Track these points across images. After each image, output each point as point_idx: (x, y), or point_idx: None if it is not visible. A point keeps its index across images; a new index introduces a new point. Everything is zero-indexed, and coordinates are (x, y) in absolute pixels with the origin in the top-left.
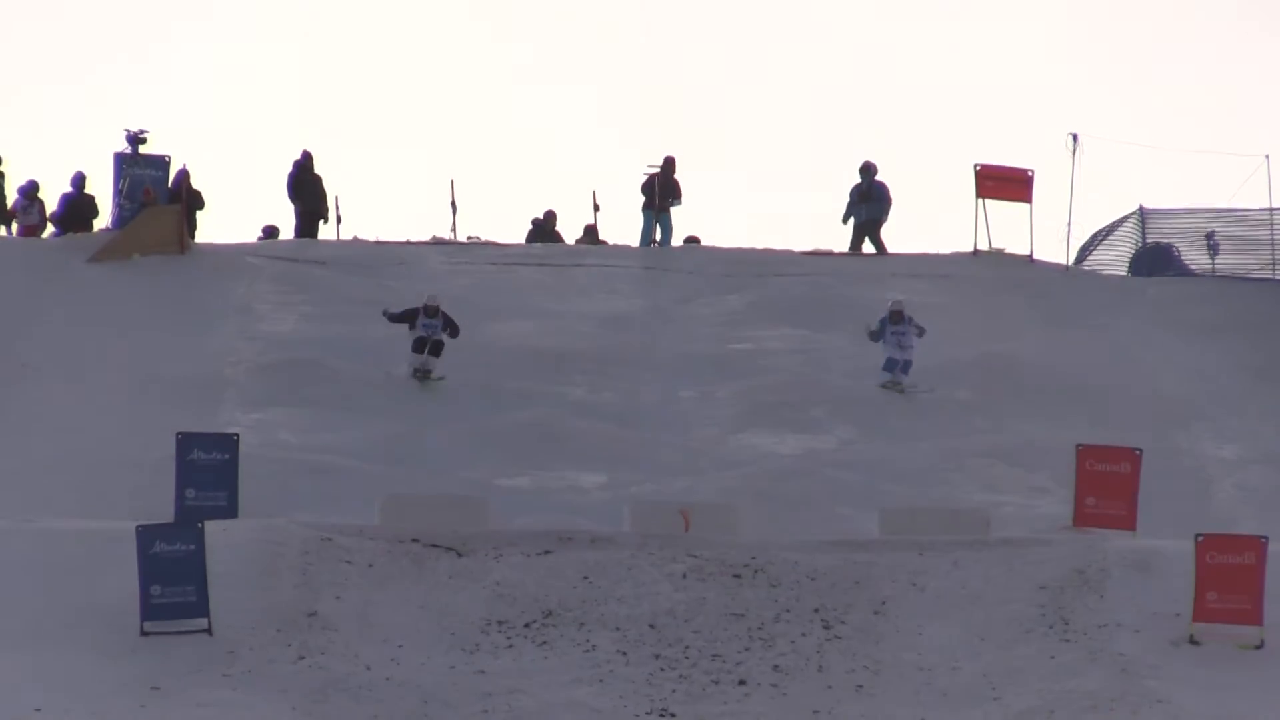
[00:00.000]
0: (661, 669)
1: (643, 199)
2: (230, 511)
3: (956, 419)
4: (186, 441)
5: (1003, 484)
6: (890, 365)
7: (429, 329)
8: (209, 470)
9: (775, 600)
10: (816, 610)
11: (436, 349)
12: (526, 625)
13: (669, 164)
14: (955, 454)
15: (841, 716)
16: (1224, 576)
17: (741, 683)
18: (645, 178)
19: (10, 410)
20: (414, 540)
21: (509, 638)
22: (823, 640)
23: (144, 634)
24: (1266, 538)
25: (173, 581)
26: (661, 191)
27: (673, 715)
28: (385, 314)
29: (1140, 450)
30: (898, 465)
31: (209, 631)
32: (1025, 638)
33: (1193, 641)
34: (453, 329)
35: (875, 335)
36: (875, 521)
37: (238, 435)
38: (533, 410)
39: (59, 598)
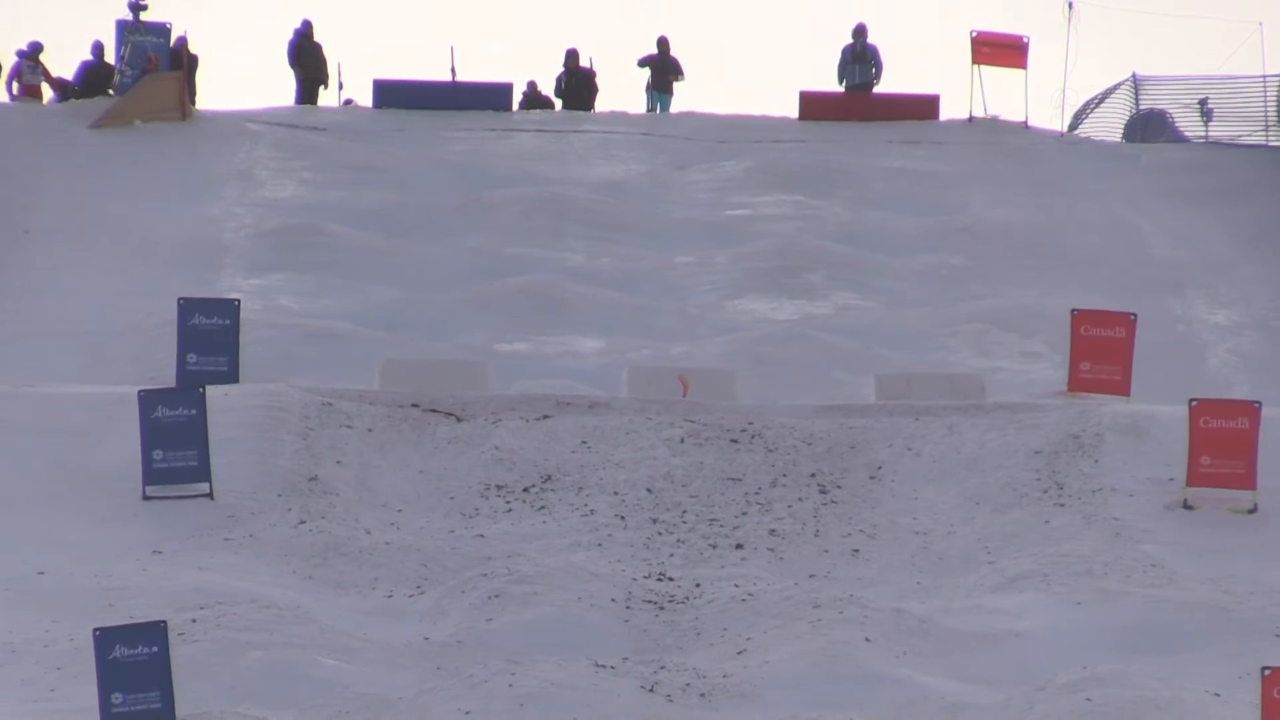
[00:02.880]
0: (659, 533)
1: (647, 80)
2: (231, 376)
3: (952, 285)
4: (188, 307)
5: (998, 349)
6: None
7: None
8: (210, 335)
9: (772, 465)
10: (813, 475)
11: None
12: (525, 490)
13: (663, 44)
14: (951, 320)
15: (838, 580)
16: (1217, 441)
17: (739, 547)
18: (644, 56)
19: (12, 276)
20: (413, 405)
21: (508, 502)
22: (819, 505)
23: (146, 498)
24: (1260, 403)
25: (174, 446)
26: (661, 68)
27: (670, 579)
28: None
29: (1134, 315)
30: (893, 331)
31: (210, 496)
32: (1020, 502)
33: (1186, 506)
34: None
35: None
36: (871, 387)
37: (239, 301)
38: (531, 276)
39: (62, 462)
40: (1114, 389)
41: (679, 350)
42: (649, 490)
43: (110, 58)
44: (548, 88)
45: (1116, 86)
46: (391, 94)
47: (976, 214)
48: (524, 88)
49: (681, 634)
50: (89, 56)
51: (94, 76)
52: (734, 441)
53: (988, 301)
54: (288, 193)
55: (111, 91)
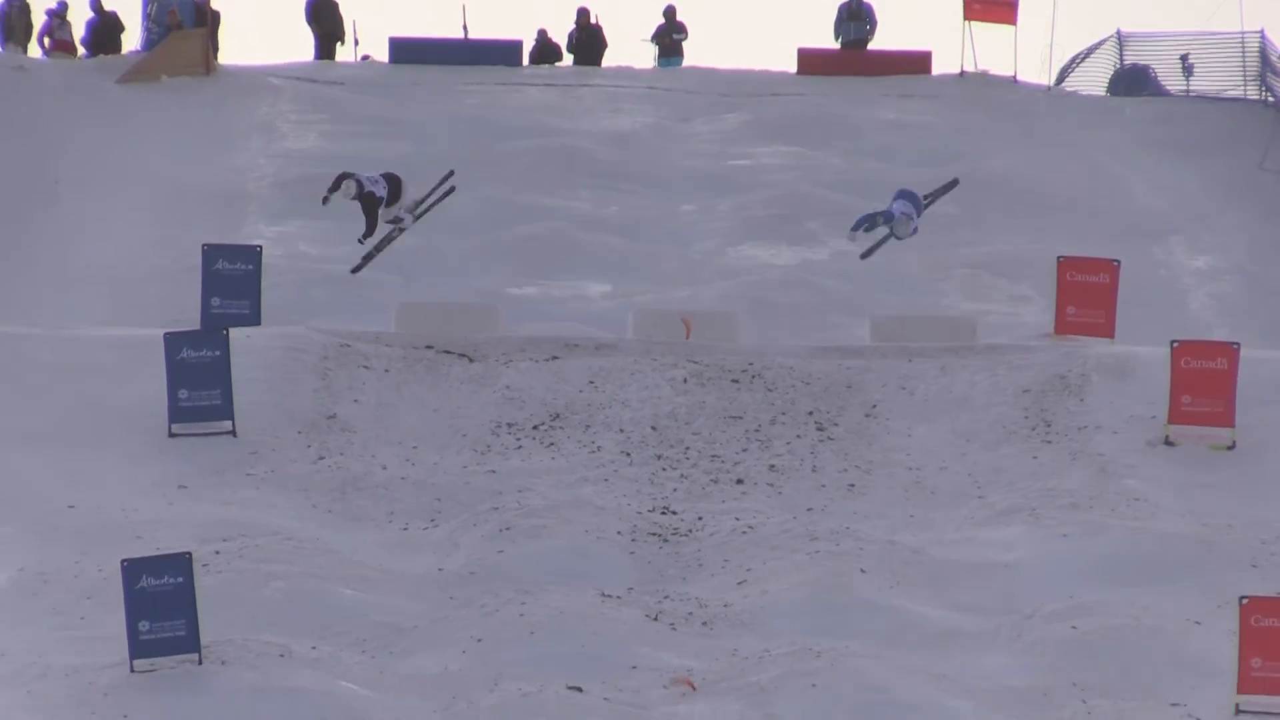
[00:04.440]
0: (663, 469)
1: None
2: (253, 319)
3: (944, 232)
4: (212, 253)
5: (988, 293)
6: (863, 222)
7: (371, 183)
8: (233, 280)
9: (771, 404)
10: (811, 413)
11: (395, 191)
12: (535, 427)
13: (669, 13)
14: (943, 265)
15: (834, 514)
16: (1198, 381)
17: (739, 482)
18: (654, 31)
19: (44, 224)
20: (428, 346)
21: (518, 439)
22: (816, 441)
23: (171, 435)
24: (1238, 344)
25: (199, 386)
26: (667, 31)
27: (674, 512)
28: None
29: (1118, 261)
30: (888, 275)
31: (233, 433)
32: (1009, 439)
33: (1168, 442)
34: (393, 182)
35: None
36: (867, 329)
37: (260, 247)
38: (541, 223)
39: (90, 402)
40: (1099, 331)
41: (682, 294)
42: (653, 428)
43: (112, 5)
44: (558, 38)
45: (1102, 42)
46: (407, 50)
47: (967, 164)
48: (535, 36)
49: (684, 565)
50: (90, 14)
51: (101, 30)
52: (735, 381)
53: (978, 248)
54: (308, 144)
55: (125, 40)
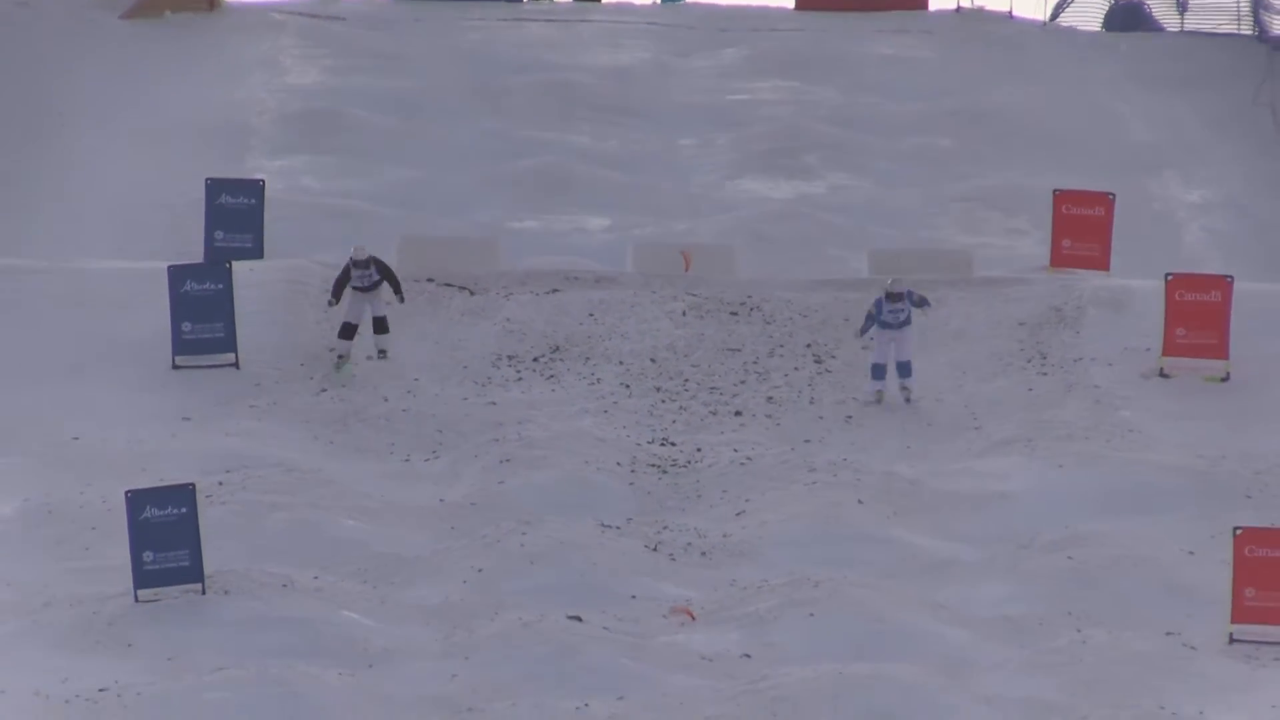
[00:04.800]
0: (662, 400)
1: None
2: (256, 253)
3: (940, 165)
4: (215, 187)
5: (984, 227)
6: (878, 373)
7: (362, 281)
8: (236, 214)
9: (769, 336)
10: (808, 345)
11: (381, 325)
12: (535, 359)
13: None
14: (939, 198)
15: (832, 445)
16: (1192, 313)
17: (737, 413)
18: None
19: (48, 158)
20: (429, 280)
21: (518, 371)
22: (814, 374)
23: (175, 368)
24: (1232, 277)
25: (202, 318)
26: None
27: (673, 444)
28: (333, 293)
29: (1113, 195)
30: (885, 209)
31: (236, 365)
32: (1005, 371)
33: (1162, 374)
34: (392, 280)
35: (869, 322)
36: (864, 262)
37: (263, 181)
38: (541, 158)
39: (95, 334)
40: (1094, 264)
41: (681, 228)
42: (652, 360)
43: None
44: None
45: None
46: None
47: (963, 99)
48: None
49: (683, 496)
50: None
51: None
52: (733, 314)
53: (974, 181)
54: (310, 79)
55: None
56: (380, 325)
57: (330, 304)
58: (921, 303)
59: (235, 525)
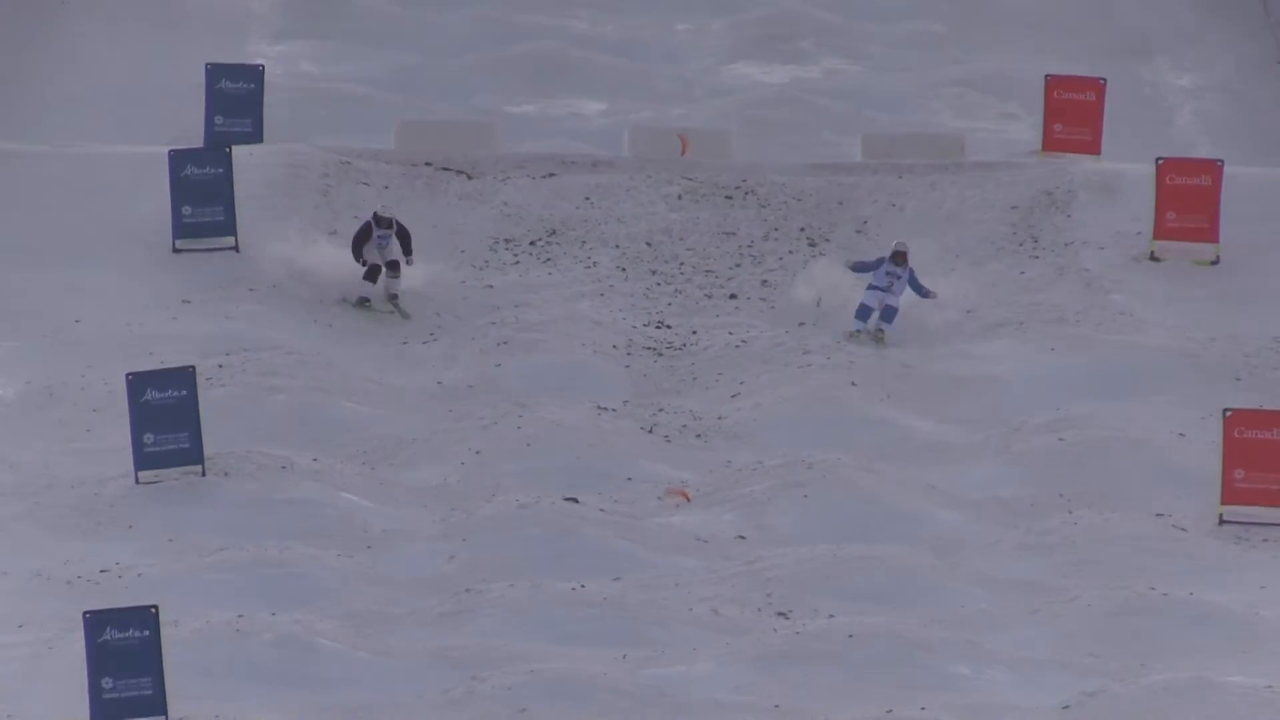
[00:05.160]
0: (658, 284)
1: None
2: (256, 137)
3: (933, 50)
4: (215, 72)
5: (976, 111)
6: (863, 313)
7: (382, 240)
8: (236, 99)
9: (764, 220)
10: (802, 229)
11: (394, 269)
12: (532, 243)
13: None
14: (932, 83)
15: (825, 326)
16: (1182, 197)
17: (732, 296)
18: None
19: (50, 43)
20: (427, 164)
21: (515, 255)
22: (808, 257)
23: (176, 251)
24: (1222, 161)
25: (202, 202)
26: None
27: (668, 326)
28: (353, 250)
29: (1104, 79)
30: (879, 93)
31: (236, 249)
32: (997, 254)
33: (1153, 258)
34: (406, 241)
35: (863, 266)
36: (858, 146)
37: (263, 66)
38: (539, 42)
39: (96, 218)
40: (1085, 148)
41: (677, 112)
42: (648, 243)
43: None
44: None
45: None
46: None
47: None
48: None
49: (679, 379)
50: None
51: None
52: (729, 198)
53: (967, 66)
54: None
55: None
56: (393, 267)
57: (360, 263)
58: (920, 290)
59: (235, 408)
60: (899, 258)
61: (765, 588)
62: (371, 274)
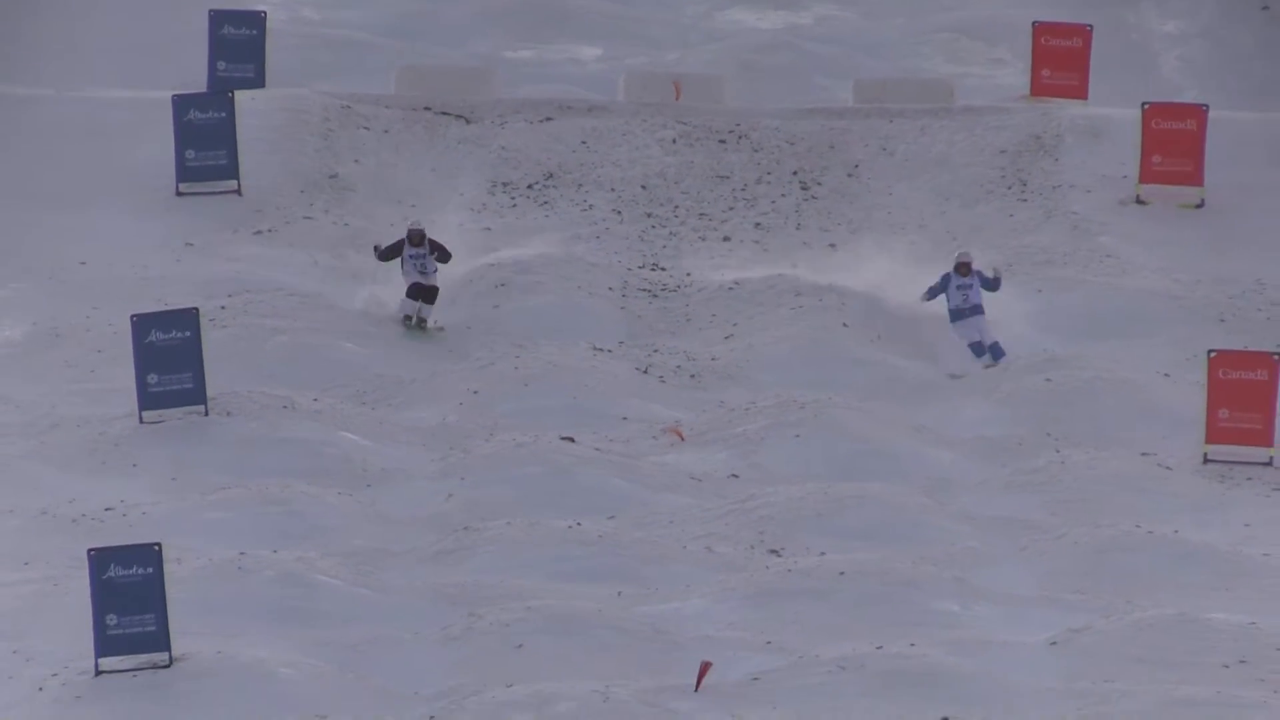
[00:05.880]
0: (653, 226)
1: None
2: (258, 82)
3: None
4: (218, 18)
5: (966, 56)
6: (978, 350)
7: (417, 260)
8: (239, 44)
9: (757, 163)
10: (795, 173)
11: (430, 295)
12: (529, 186)
13: None
14: (923, 29)
15: (819, 268)
16: (1168, 141)
17: (726, 239)
18: None
19: None
20: (426, 108)
21: (513, 198)
22: (800, 200)
23: (179, 194)
24: (1207, 105)
25: (205, 146)
26: None
27: (663, 268)
28: (375, 250)
29: (1091, 26)
30: (871, 39)
31: (238, 192)
32: (986, 198)
33: (1139, 201)
34: (442, 254)
35: (934, 291)
36: (849, 91)
37: (265, 12)
38: None
39: (101, 162)
40: (1073, 93)
41: (672, 57)
42: (643, 187)
43: None
44: None
45: None
46: None
47: None
48: None
49: (673, 320)
50: None
51: None
52: (722, 142)
53: (957, 13)
54: None
55: None
56: (430, 295)
57: (375, 251)
58: (991, 284)
59: (237, 349)
60: (962, 269)
61: (758, 525)
62: (412, 292)
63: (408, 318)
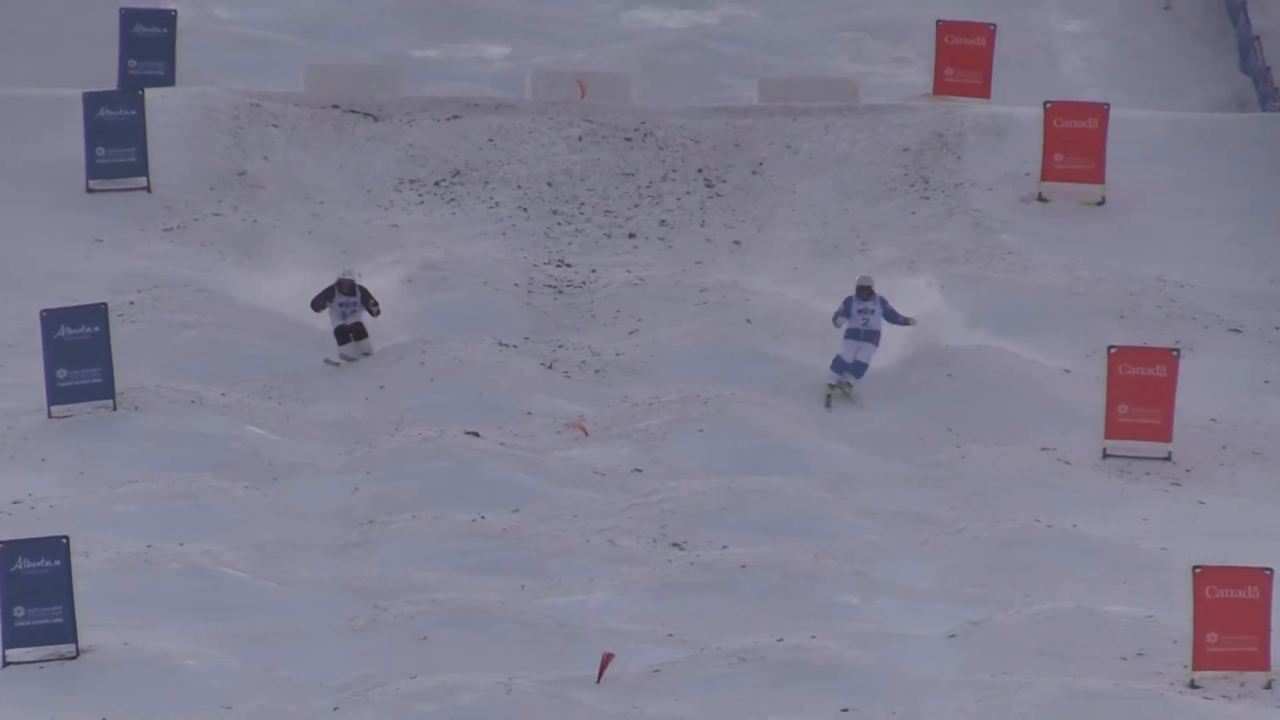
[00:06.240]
0: (559, 223)
1: None
2: (168, 80)
3: None
4: (129, 16)
5: (870, 55)
6: (839, 366)
7: (346, 307)
8: (150, 42)
9: (663, 161)
10: (700, 170)
11: (360, 332)
12: (436, 183)
13: None
14: (828, 28)
15: (722, 266)
16: (1069, 139)
17: (631, 236)
18: None
19: None
20: (334, 106)
21: (420, 195)
22: (705, 198)
23: (89, 191)
24: (1108, 104)
25: (116, 143)
26: None
27: (568, 265)
28: (312, 305)
29: (994, 25)
30: (776, 38)
31: (148, 189)
32: (889, 195)
33: (1041, 199)
34: (372, 305)
35: (840, 315)
36: (754, 90)
37: (175, 10)
38: None
39: (11, 158)
40: (975, 92)
41: (578, 56)
42: (549, 184)
43: None
44: None
45: None
46: None
47: None
48: None
49: (578, 315)
50: None
51: None
52: (628, 140)
53: (861, 12)
54: None
55: None
56: (359, 332)
57: (312, 306)
58: (897, 319)
59: (146, 343)
60: (863, 292)
61: (660, 519)
62: (341, 336)
63: (344, 358)
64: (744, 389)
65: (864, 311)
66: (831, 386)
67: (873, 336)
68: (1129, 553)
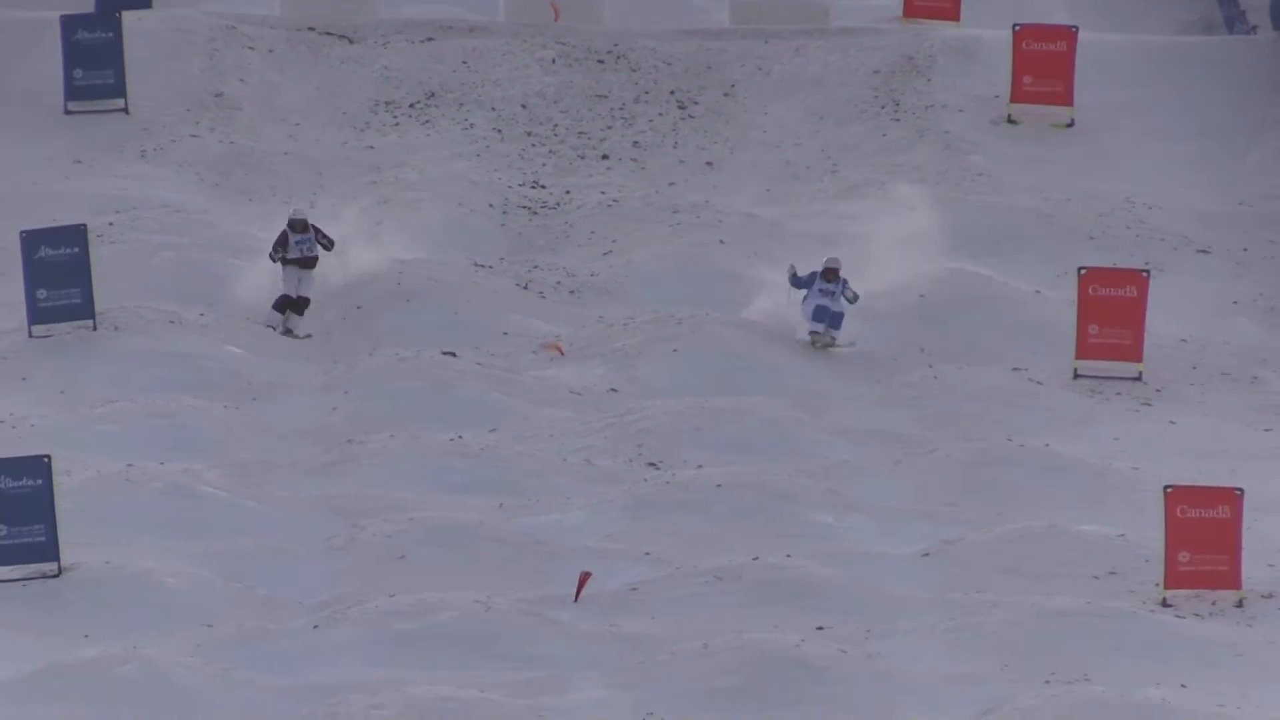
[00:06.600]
0: (533, 145)
1: None
2: (145, 3)
3: None
4: None
5: None
6: (820, 315)
7: (303, 245)
8: None
9: (635, 83)
10: (672, 92)
11: (300, 307)
12: (411, 105)
13: None
14: None
15: (694, 187)
16: (1038, 62)
17: (605, 157)
18: None
19: None
20: (310, 28)
21: (395, 117)
22: (678, 119)
23: (68, 113)
24: (1076, 27)
25: (93, 65)
26: None
27: (543, 186)
28: (270, 257)
29: None
30: None
31: (125, 111)
32: (860, 117)
33: (1010, 121)
34: (326, 240)
35: (800, 282)
36: (726, 11)
37: None
38: None
39: None
40: (945, 15)
41: None
42: (523, 106)
43: None
44: None
45: None
46: None
47: None
48: None
49: (553, 236)
50: None
51: None
52: (601, 62)
53: None
54: None
55: None
56: (301, 305)
57: (271, 258)
58: (854, 298)
59: (125, 264)
60: (830, 274)
61: (636, 439)
62: (280, 304)
63: (271, 328)
64: (717, 309)
65: (826, 292)
66: (817, 335)
67: (836, 320)
68: (1100, 472)
